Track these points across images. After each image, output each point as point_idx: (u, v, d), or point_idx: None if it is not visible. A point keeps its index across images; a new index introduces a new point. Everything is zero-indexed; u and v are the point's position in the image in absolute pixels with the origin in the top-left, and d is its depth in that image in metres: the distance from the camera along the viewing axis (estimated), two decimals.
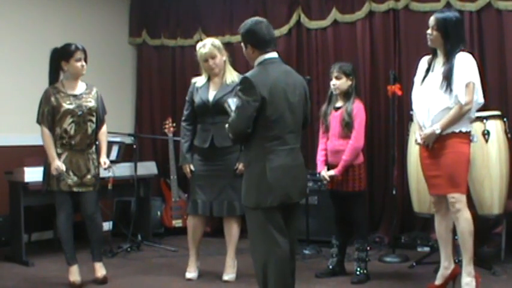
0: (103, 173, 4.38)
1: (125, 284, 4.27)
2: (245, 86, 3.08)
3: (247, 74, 3.15)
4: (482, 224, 4.40)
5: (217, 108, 4.12)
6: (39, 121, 4.13)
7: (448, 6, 5.09)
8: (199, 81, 4.36)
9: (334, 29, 5.86)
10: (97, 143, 4.30)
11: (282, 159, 3.11)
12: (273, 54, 3.21)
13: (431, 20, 3.68)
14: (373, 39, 5.67)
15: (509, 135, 4.44)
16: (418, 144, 3.76)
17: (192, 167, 4.31)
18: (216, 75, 4.27)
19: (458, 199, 3.59)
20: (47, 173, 4.14)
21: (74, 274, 4.19)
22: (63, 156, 4.11)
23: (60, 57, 4.13)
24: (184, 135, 4.36)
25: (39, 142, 4.19)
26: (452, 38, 3.61)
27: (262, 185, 3.09)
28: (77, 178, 4.12)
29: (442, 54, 3.68)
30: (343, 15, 5.78)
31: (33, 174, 4.60)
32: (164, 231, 6.01)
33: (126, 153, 5.56)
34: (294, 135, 3.19)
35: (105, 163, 4.25)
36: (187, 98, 4.39)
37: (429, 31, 3.69)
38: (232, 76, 4.26)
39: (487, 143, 4.27)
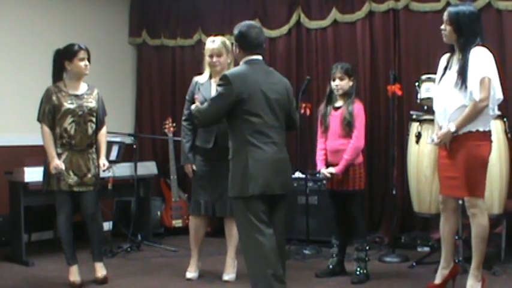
0: (103, 173, 4.38)
1: (124, 284, 4.27)
2: (223, 82, 3.30)
3: (227, 72, 3.40)
4: None
5: None
6: (40, 119, 4.13)
7: (448, 6, 5.08)
8: (201, 78, 4.35)
9: (334, 29, 5.86)
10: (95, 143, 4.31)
11: (263, 152, 3.27)
12: (257, 57, 3.42)
13: (445, 15, 3.60)
14: (373, 39, 5.68)
15: (509, 135, 4.44)
16: (435, 144, 3.68)
17: (194, 167, 4.32)
18: (217, 73, 4.24)
19: (473, 203, 3.53)
20: (47, 172, 4.14)
21: (74, 274, 4.19)
22: (63, 156, 4.11)
23: (64, 57, 4.13)
24: (185, 135, 4.34)
25: (39, 142, 4.19)
26: (466, 32, 3.50)
27: (245, 176, 3.24)
28: (77, 178, 4.12)
29: (458, 50, 3.59)
30: (343, 15, 5.78)
31: (33, 174, 4.60)
32: (164, 231, 6.01)
33: (126, 153, 5.55)
34: (276, 130, 3.35)
35: (104, 165, 4.25)
36: (187, 97, 4.37)
37: (443, 26, 3.60)
38: None
39: None
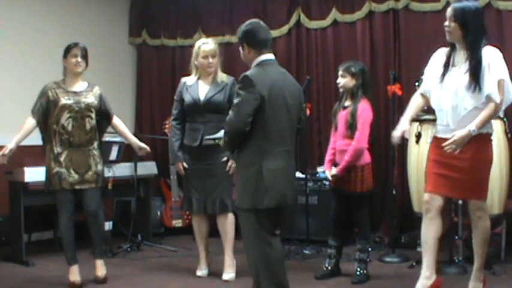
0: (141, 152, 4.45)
1: (125, 284, 4.27)
2: (245, 84, 3.09)
3: (247, 73, 3.15)
4: None
5: (209, 106, 4.23)
6: (32, 111, 4.16)
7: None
8: (189, 80, 4.40)
9: (334, 29, 5.86)
10: (101, 140, 4.34)
11: (279, 161, 3.12)
12: (270, 56, 3.25)
13: (448, 11, 3.42)
14: (373, 39, 5.67)
15: (509, 135, 4.43)
16: (451, 150, 3.34)
17: (185, 164, 4.35)
18: (209, 74, 4.31)
19: (479, 206, 3.47)
20: (48, 172, 4.14)
21: (74, 274, 4.19)
22: (63, 155, 4.11)
23: (63, 55, 4.18)
24: (174, 134, 4.41)
25: (39, 142, 4.20)
26: (473, 29, 3.33)
27: (259, 186, 3.08)
28: (78, 176, 4.12)
29: (463, 48, 3.40)
30: (343, 15, 5.78)
31: (33, 174, 4.61)
32: (164, 231, 6.01)
33: (126, 153, 5.55)
34: (290, 136, 3.22)
35: (141, 148, 4.36)
36: (175, 98, 4.44)
37: (446, 23, 3.42)
38: (222, 76, 4.34)
39: None
